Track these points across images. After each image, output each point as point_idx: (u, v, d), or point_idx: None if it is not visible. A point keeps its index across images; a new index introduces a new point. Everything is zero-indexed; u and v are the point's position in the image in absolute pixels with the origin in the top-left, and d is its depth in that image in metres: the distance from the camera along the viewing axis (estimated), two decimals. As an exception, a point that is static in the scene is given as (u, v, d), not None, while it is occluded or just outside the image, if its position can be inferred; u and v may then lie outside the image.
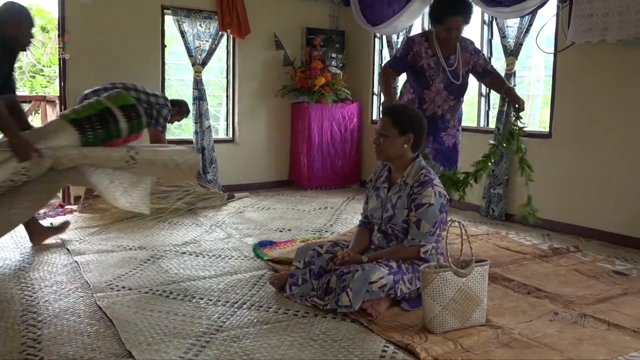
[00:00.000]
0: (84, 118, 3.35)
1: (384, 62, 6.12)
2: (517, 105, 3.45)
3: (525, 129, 3.46)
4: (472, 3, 3.67)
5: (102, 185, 3.22)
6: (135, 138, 3.59)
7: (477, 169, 3.49)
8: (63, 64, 5.06)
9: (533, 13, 4.37)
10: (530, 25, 4.45)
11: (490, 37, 4.98)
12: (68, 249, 3.67)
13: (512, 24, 4.59)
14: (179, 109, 5.06)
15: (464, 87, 3.69)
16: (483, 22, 4.94)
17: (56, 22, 5.31)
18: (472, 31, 4.71)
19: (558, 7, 4.22)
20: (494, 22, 4.74)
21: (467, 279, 2.47)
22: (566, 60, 4.22)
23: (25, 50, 3.52)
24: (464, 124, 5.08)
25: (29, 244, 3.77)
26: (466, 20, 3.52)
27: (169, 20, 5.54)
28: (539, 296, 2.91)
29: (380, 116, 2.90)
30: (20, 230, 4.12)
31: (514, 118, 3.47)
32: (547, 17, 4.34)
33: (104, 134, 3.38)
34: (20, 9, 3.39)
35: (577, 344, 2.36)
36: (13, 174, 3.06)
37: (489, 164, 3.54)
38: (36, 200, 3.23)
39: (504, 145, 3.52)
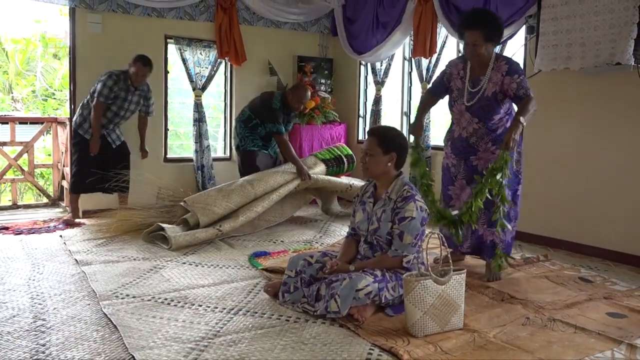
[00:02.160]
0: (327, 159, 5.11)
1: (369, 87, 6.22)
2: (506, 141, 2.92)
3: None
4: (498, 19, 3.18)
5: (313, 198, 5.19)
6: (348, 174, 5.36)
7: (464, 211, 3.02)
8: (73, 89, 5.04)
9: (503, 44, 4.44)
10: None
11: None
12: (76, 260, 3.62)
13: (485, 53, 4.63)
14: (133, 62, 4.65)
15: (487, 109, 3.18)
16: (458, 51, 4.99)
17: (68, 50, 5.30)
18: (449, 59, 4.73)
19: (526, 38, 4.29)
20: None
21: (446, 287, 2.47)
22: (534, 85, 4.20)
23: (289, 114, 4.84)
24: (434, 142, 5.14)
25: (40, 256, 3.73)
26: (487, 37, 3.08)
27: (172, 48, 5.55)
28: (512, 302, 2.91)
29: (366, 137, 2.90)
30: (32, 243, 4.08)
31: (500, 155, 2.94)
32: (516, 47, 4.40)
33: (336, 170, 5.15)
34: (306, 89, 4.84)
35: (547, 346, 2.37)
36: (294, 187, 4.64)
37: (479, 204, 2.96)
38: (296, 204, 4.97)
39: (488, 182, 2.93)
